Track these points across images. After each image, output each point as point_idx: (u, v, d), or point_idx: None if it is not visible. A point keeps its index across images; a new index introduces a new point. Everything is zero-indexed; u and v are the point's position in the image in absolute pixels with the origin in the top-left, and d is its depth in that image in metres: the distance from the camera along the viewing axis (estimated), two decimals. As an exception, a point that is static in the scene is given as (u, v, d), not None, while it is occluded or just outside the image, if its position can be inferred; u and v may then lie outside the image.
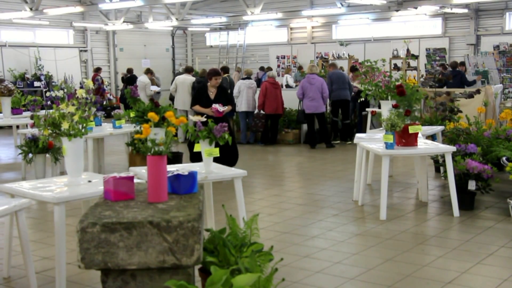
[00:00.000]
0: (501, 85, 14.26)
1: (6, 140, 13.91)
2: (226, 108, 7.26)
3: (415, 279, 4.37)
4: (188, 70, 13.54)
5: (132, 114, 7.84)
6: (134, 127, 7.79)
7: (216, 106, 6.32)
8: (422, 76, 14.37)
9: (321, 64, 17.03)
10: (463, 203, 6.28)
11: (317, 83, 11.54)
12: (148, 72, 15.67)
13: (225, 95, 8.41)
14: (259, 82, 16.75)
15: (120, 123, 8.60)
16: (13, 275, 4.54)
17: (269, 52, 23.46)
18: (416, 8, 15.35)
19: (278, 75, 19.05)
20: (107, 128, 8.65)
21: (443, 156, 6.63)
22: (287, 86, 16.76)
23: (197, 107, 8.17)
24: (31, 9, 15.83)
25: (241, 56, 23.29)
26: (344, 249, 5.16)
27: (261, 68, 20.32)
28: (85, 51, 22.06)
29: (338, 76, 12.24)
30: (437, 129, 8.38)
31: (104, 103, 17.94)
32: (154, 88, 15.96)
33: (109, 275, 3.06)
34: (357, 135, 7.47)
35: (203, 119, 4.96)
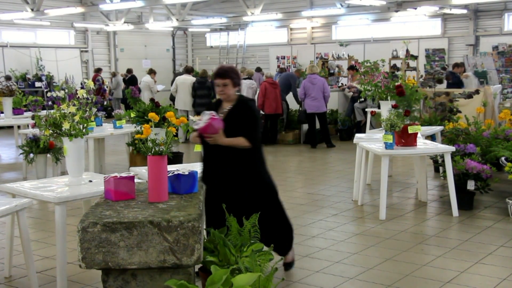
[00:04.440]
0: (500, 85, 14.25)
1: (7, 140, 13.92)
2: None
3: (414, 279, 4.39)
4: (188, 71, 13.55)
5: (132, 114, 7.88)
6: (135, 127, 7.82)
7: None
8: (422, 76, 14.38)
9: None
10: (462, 203, 6.30)
11: (319, 83, 11.66)
12: (151, 72, 15.75)
13: None
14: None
15: (120, 123, 8.63)
16: (15, 275, 4.56)
17: (269, 52, 23.45)
18: (415, 8, 15.36)
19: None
20: (107, 128, 8.68)
21: (442, 156, 6.65)
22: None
23: None
24: (32, 9, 15.85)
25: (241, 56, 23.30)
26: (344, 248, 5.18)
27: (257, 69, 20.14)
28: (86, 51, 22.06)
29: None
30: (436, 129, 8.39)
31: (105, 103, 18.01)
32: (159, 87, 16.02)
33: (109, 274, 3.08)
34: (357, 135, 7.49)
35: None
